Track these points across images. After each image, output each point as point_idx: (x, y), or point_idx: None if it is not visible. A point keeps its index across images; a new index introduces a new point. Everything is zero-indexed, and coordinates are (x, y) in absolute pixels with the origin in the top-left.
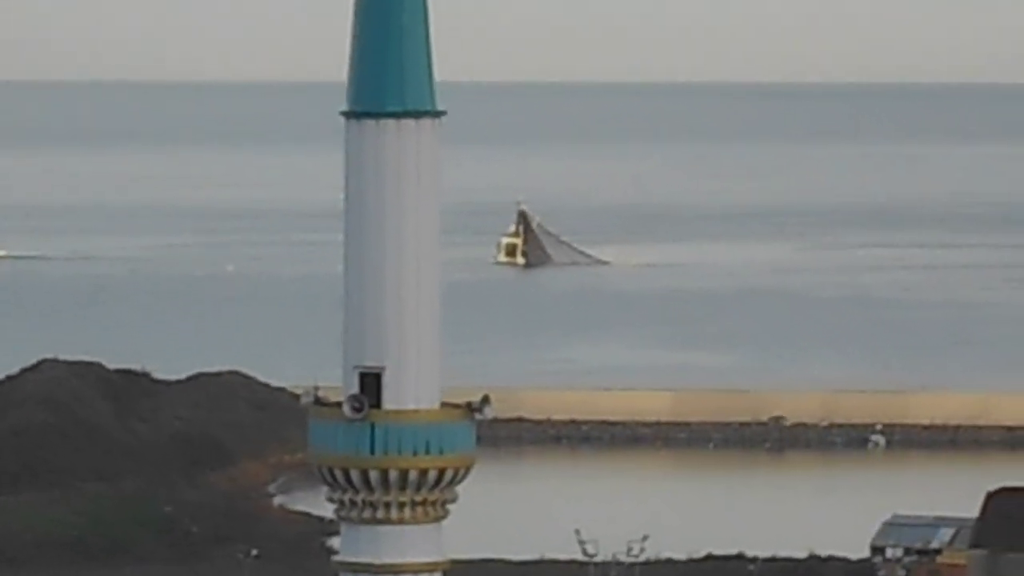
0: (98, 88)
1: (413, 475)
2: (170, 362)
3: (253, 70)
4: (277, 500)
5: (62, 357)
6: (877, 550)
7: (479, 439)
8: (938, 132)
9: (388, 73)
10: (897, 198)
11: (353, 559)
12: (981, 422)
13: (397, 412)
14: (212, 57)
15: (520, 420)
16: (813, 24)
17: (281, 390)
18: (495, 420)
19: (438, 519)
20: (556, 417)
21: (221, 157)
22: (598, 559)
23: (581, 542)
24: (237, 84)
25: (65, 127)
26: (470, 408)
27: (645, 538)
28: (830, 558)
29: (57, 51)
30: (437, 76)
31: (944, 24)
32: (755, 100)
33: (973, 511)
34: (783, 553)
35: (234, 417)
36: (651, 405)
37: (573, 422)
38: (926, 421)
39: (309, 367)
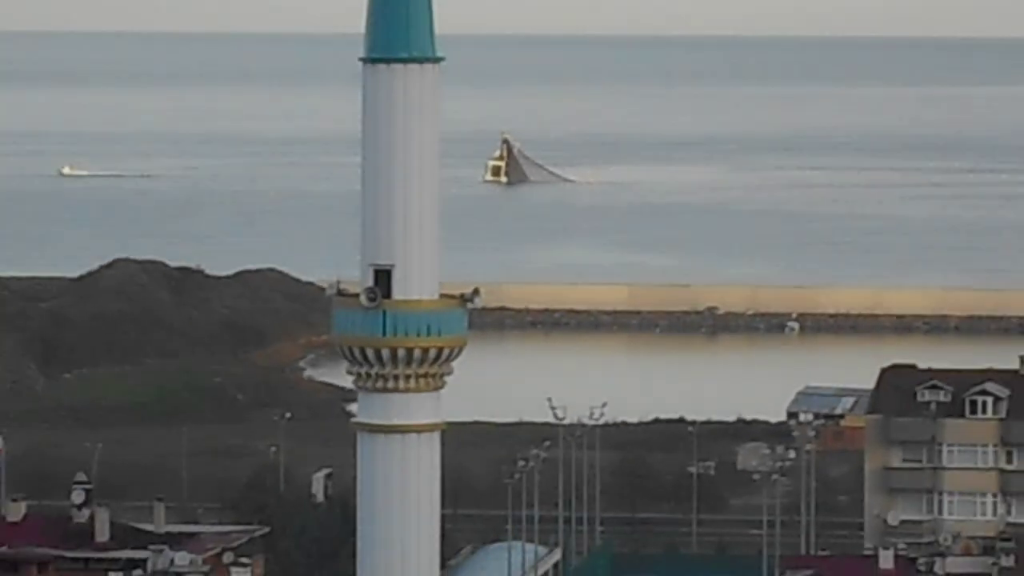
0: (168, 38)
1: (417, 353)
2: (219, 261)
3: (290, 22)
4: (306, 373)
5: (132, 257)
6: (792, 415)
7: (470, 324)
8: (839, 77)
9: (397, 25)
10: (807, 129)
11: (368, 421)
12: (877, 311)
13: (404, 301)
14: (264, 11)
15: (503, 309)
16: None
17: (310, 284)
18: (483, 309)
19: (437, 389)
20: (532, 306)
21: (266, 97)
22: (566, 421)
23: (552, 408)
24: (277, 35)
25: (139, 71)
26: (463, 299)
27: (604, 404)
28: (754, 421)
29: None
30: (437, 28)
31: None
32: (695, 51)
33: (870, 383)
34: (716, 417)
35: (271, 306)
36: (609, 297)
37: (546, 310)
38: (832, 311)
39: (333, 265)
